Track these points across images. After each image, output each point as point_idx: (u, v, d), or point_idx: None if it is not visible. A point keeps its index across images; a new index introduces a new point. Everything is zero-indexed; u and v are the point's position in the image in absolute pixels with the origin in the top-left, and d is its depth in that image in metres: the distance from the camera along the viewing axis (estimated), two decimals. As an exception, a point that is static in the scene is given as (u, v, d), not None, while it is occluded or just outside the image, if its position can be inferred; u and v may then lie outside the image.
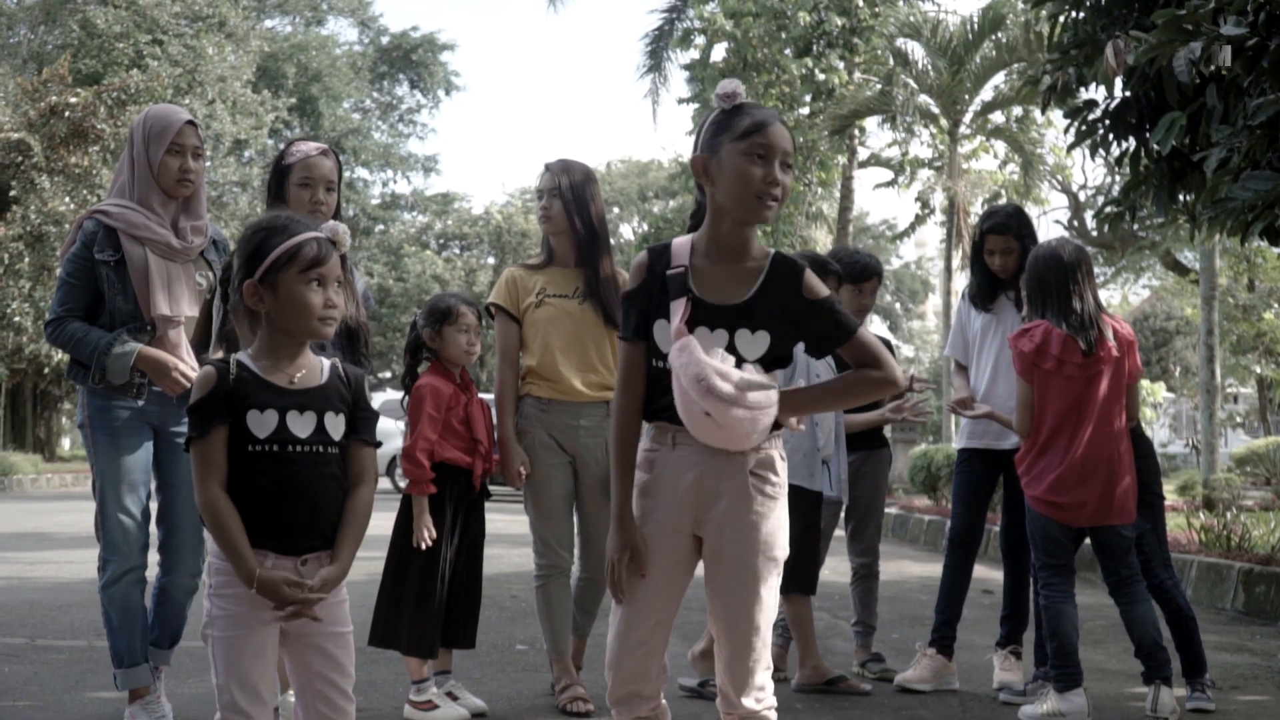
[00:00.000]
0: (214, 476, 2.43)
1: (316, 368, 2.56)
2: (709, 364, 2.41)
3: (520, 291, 4.43)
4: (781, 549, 2.58)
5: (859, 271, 5.08)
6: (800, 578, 4.64)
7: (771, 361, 2.54)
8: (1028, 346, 4.21)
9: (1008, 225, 4.79)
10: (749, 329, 2.51)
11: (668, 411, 2.51)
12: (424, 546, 4.10)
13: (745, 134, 2.51)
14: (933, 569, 7.37)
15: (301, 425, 2.48)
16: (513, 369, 4.42)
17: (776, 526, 2.56)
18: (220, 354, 3.74)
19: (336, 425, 2.53)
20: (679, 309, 2.49)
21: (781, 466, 2.59)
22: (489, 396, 4.59)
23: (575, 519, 4.45)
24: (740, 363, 2.48)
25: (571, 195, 4.37)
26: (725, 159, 2.52)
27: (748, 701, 2.53)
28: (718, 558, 2.54)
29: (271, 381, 2.49)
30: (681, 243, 2.59)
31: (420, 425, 4.18)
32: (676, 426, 2.51)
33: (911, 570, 9.32)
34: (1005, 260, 4.80)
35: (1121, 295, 33.03)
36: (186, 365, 3.76)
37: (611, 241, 4.62)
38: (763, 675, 2.55)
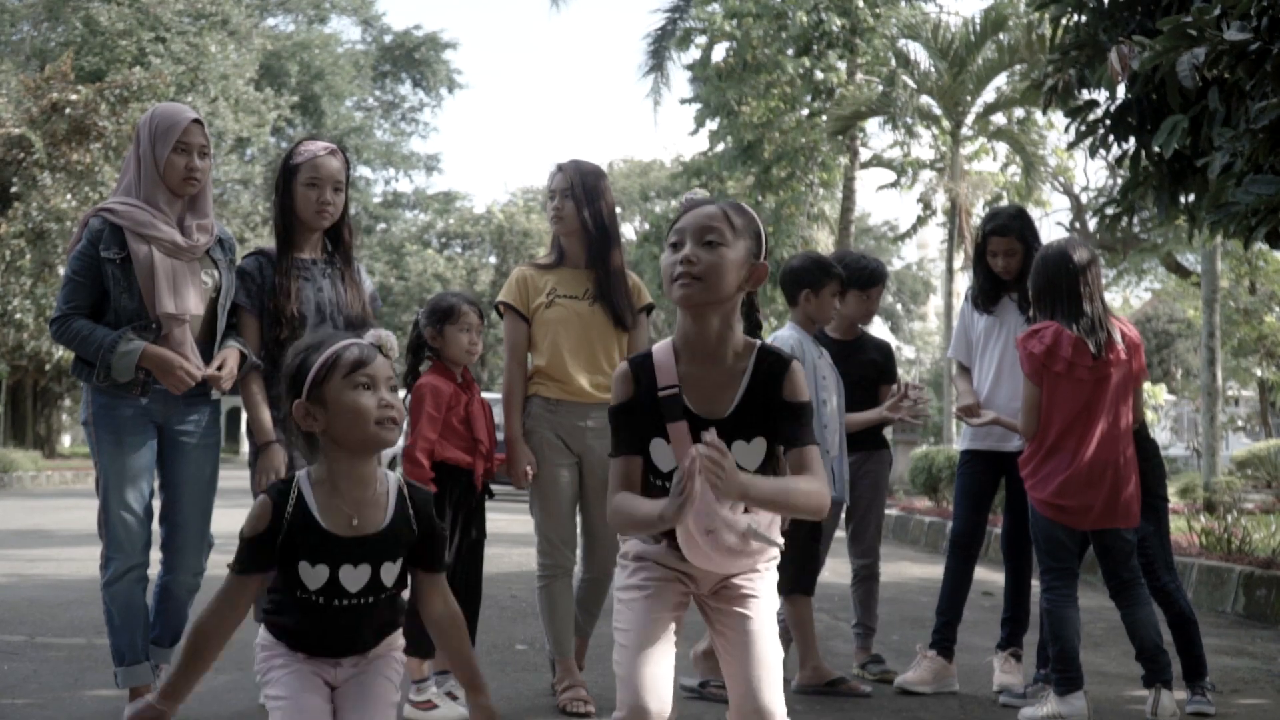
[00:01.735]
0: (229, 612, 2.37)
1: (381, 503, 2.42)
2: (719, 516, 2.39)
3: (530, 291, 4.43)
4: (776, 601, 2.59)
5: (867, 278, 5.09)
6: (801, 579, 4.65)
7: (771, 459, 2.49)
8: (1038, 348, 4.19)
9: (1010, 227, 4.80)
10: (744, 439, 2.46)
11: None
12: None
13: (669, 231, 2.53)
14: (933, 571, 7.38)
15: (353, 579, 2.38)
16: (521, 368, 4.43)
17: (773, 591, 2.57)
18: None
19: (393, 573, 2.43)
20: (681, 433, 2.42)
21: (777, 537, 2.57)
22: (492, 396, 4.59)
23: (579, 519, 4.45)
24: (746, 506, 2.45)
25: (584, 194, 4.37)
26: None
27: None
28: (726, 633, 2.52)
29: (327, 530, 2.36)
30: (663, 351, 2.51)
31: (420, 425, 4.18)
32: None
33: (912, 572, 9.32)
34: (1008, 262, 4.80)
35: (1123, 297, 33.03)
36: (191, 364, 3.77)
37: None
38: (780, 705, 2.47)
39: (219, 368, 3.80)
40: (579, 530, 4.46)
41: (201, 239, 3.89)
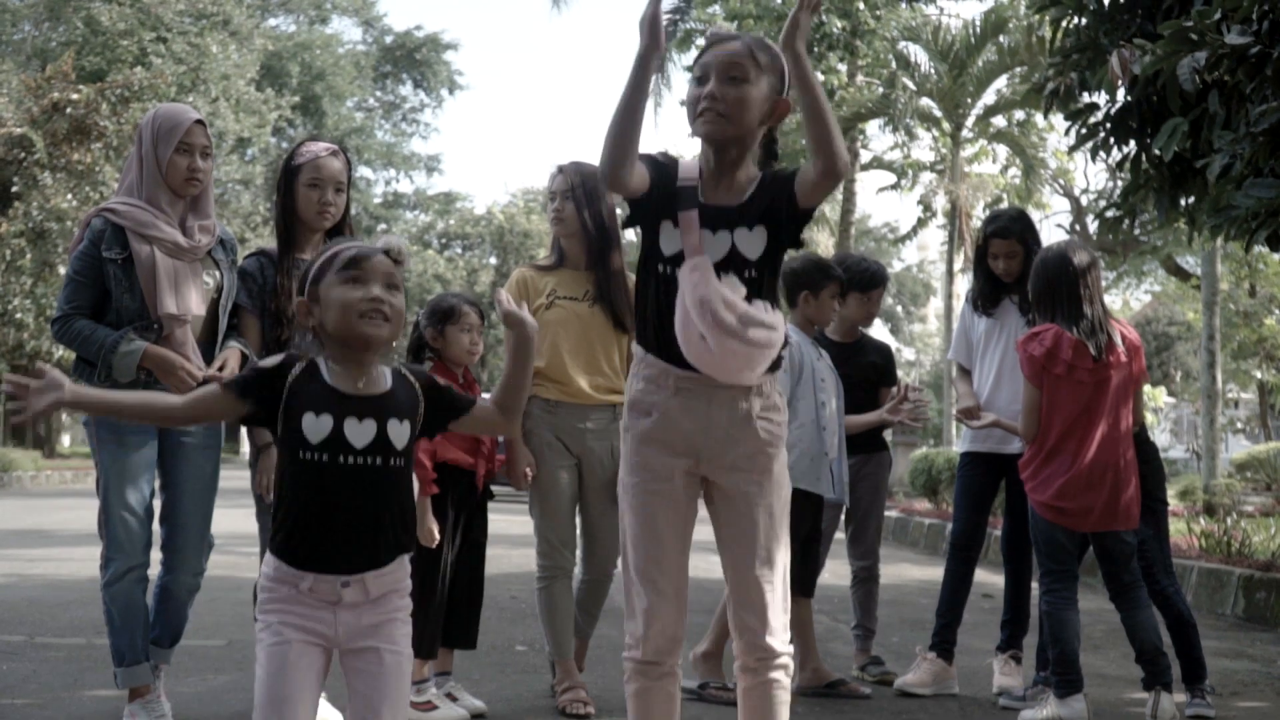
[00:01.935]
0: (185, 408, 2.46)
1: (382, 376, 2.49)
2: (717, 289, 2.44)
3: (530, 292, 4.43)
4: (790, 485, 2.64)
5: (868, 280, 5.09)
6: (801, 581, 4.64)
7: (773, 257, 2.58)
8: (1038, 351, 4.19)
9: (1011, 229, 4.80)
10: (746, 226, 2.56)
11: (666, 345, 2.54)
12: (432, 546, 4.10)
13: (694, 63, 2.63)
14: (933, 572, 7.38)
15: (359, 433, 2.39)
16: None
17: (784, 464, 2.62)
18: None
19: (401, 433, 2.45)
20: (690, 220, 2.53)
21: (782, 403, 2.64)
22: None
23: (579, 521, 4.45)
24: (750, 296, 2.50)
25: (584, 196, 4.37)
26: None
27: (773, 642, 2.53)
28: (733, 504, 2.56)
29: (334, 386, 2.41)
30: (689, 161, 2.64)
31: (421, 425, 4.18)
32: (678, 370, 2.53)
33: (912, 574, 9.32)
34: (1009, 264, 4.80)
35: (1123, 300, 33.02)
36: (193, 364, 3.76)
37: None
38: (783, 617, 2.55)
39: (220, 368, 3.80)
40: (578, 532, 4.46)
41: (203, 239, 3.89)
